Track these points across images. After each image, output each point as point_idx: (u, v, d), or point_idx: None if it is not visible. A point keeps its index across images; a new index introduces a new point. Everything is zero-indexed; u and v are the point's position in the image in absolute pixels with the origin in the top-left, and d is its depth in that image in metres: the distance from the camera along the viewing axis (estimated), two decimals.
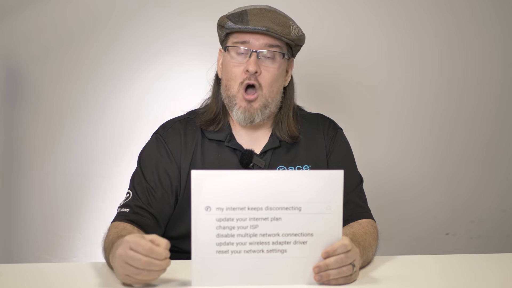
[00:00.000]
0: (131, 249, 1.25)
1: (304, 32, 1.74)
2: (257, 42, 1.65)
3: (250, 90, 1.66)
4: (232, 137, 1.72)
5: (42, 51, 2.50)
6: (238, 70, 1.66)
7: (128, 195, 1.64)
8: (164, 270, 1.28)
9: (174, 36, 2.55)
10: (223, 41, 1.74)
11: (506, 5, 2.68)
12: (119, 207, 1.62)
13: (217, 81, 1.77)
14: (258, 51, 1.65)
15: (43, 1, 2.49)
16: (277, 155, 1.72)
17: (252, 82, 1.65)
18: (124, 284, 1.31)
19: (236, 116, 1.68)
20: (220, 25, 1.71)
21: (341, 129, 1.83)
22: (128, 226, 1.54)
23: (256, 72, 1.64)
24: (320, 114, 1.85)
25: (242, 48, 1.66)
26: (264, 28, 1.63)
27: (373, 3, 2.63)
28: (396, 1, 2.64)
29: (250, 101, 1.65)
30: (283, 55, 1.69)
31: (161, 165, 1.67)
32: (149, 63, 2.55)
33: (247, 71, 1.64)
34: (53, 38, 2.50)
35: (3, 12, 2.48)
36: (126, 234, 1.45)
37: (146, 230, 1.56)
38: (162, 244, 1.26)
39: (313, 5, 2.59)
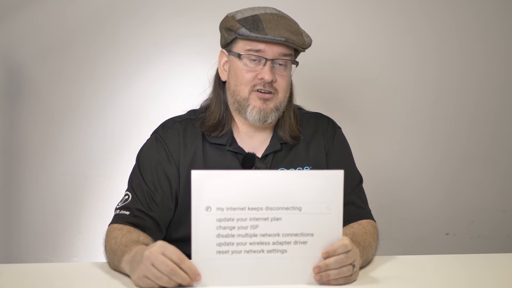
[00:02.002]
0: (164, 254, 1.26)
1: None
2: (272, 51, 1.63)
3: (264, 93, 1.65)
4: (233, 141, 1.70)
5: (42, 51, 2.50)
6: (250, 75, 1.64)
7: (127, 196, 1.63)
8: (182, 286, 1.27)
9: (174, 36, 2.55)
10: (228, 43, 1.70)
11: (506, 5, 2.68)
12: (117, 209, 1.61)
13: (219, 84, 1.74)
14: (273, 59, 1.64)
15: (43, 1, 2.49)
16: (278, 158, 1.71)
17: (267, 96, 1.64)
18: (137, 285, 1.31)
19: (250, 117, 1.66)
20: (230, 29, 1.66)
21: (340, 128, 1.83)
22: (132, 229, 1.53)
23: (272, 80, 1.64)
24: (318, 113, 1.85)
25: (256, 56, 1.64)
26: (283, 39, 1.61)
27: (373, 4, 2.63)
28: (396, 1, 2.63)
29: (265, 100, 1.65)
30: (293, 61, 1.69)
31: (160, 167, 1.66)
32: (149, 63, 2.54)
33: (262, 78, 1.63)
34: (53, 38, 2.50)
35: (3, 12, 2.48)
36: (135, 238, 1.46)
37: (148, 233, 1.55)
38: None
39: (313, 5, 2.59)
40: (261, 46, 1.63)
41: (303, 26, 1.76)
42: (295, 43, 1.63)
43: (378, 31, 2.63)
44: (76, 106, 2.53)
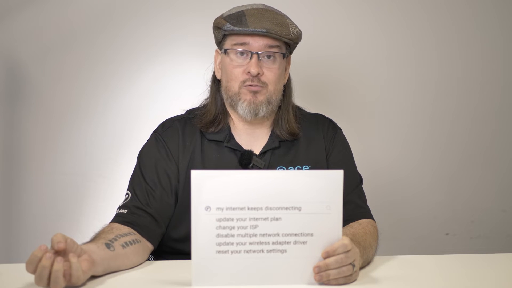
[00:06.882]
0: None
1: (303, 32, 1.74)
2: (257, 43, 1.65)
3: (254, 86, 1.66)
4: (231, 137, 1.72)
5: (42, 51, 2.50)
6: (238, 71, 1.67)
7: (127, 196, 1.65)
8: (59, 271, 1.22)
9: (174, 36, 2.55)
10: (220, 42, 1.74)
11: (506, 5, 2.68)
12: (118, 208, 1.63)
13: (215, 82, 1.77)
14: (258, 52, 1.65)
15: (43, 1, 2.49)
16: (277, 156, 1.72)
17: (255, 88, 1.65)
18: None
19: (241, 111, 1.68)
20: (217, 27, 1.70)
21: (341, 129, 1.83)
22: (121, 226, 1.54)
23: (258, 73, 1.65)
24: (319, 114, 1.85)
25: (242, 50, 1.66)
26: (264, 30, 1.63)
27: (373, 3, 2.63)
28: (396, 1, 2.63)
29: (255, 92, 1.66)
30: (283, 55, 1.69)
31: (160, 164, 1.67)
32: (149, 63, 2.55)
33: (249, 72, 1.64)
34: (53, 38, 2.50)
35: (3, 12, 2.48)
36: (102, 237, 1.46)
37: (144, 230, 1.57)
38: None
39: (313, 5, 2.60)
40: (246, 39, 1.65)
41: (303, 25, 1.76)
42: (277, 34, 1.64)
43: (378, 31, 2.63)
44: (76, 106, 2.53)
